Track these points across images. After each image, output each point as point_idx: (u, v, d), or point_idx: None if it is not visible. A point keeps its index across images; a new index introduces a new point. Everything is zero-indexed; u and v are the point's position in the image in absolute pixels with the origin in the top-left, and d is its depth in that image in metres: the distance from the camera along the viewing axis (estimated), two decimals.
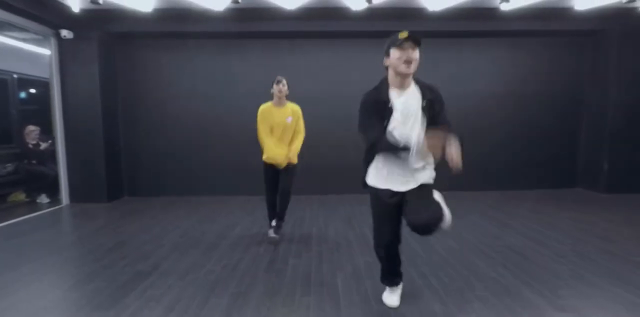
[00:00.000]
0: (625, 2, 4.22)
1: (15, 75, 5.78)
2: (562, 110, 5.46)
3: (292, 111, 3.22)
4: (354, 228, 3.66)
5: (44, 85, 5.53)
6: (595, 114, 5.30)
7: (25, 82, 6.01)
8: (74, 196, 4.97)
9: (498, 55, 5.34)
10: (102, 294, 2.30)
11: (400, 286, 2.21)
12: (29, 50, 5.80)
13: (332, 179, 5.25)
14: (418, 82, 1.94)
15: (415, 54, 1.82)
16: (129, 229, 3.75)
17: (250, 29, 4.85)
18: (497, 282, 2.40)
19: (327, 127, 4.98)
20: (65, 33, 4.63)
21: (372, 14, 4.65)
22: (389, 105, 1.87)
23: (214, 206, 4.70)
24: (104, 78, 4.89)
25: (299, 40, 5.17)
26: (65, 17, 4.49)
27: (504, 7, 4.44)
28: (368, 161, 2.04)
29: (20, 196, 5.24)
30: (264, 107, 3.20)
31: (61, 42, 4.74)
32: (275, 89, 3.16)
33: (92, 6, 4.34)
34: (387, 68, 1.93)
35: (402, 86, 1.89)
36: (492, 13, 4.73)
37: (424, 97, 1.89)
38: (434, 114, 1.89)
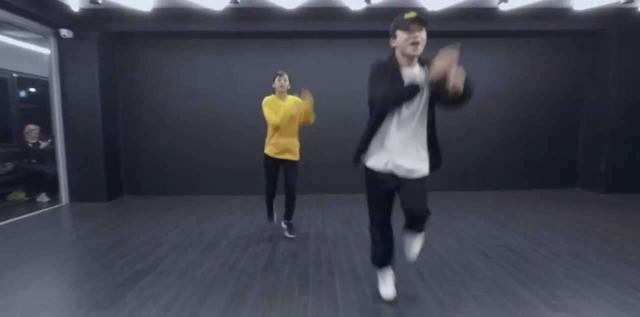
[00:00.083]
0: (623, 3, 4.22)
1: (15, 75, 5.79)
2: (561, 110, 5.47)
3: (295, 103, 3.22)
4: (352, 228, 3.68)
5: (43, 85, 5.54)
6: (594, 114, 5.31)
7: (25, 81, 6.02)
8: (73, 195, 4.99)
9: (497, 56, 5.34)
10: (101, 293, 2.31)
11: (392, 273, 2.26)
12: (29, 50, 5.81)
13: (331, 179, 5.26)
14: (422, 60, 1.94)
15: (422, 35, 1.82)
16: (128, 228, 3.76)
17: (249, 28, 4.86)
18: (494, 281, 2.41)
19: (327, 127, 4.99)
20: (64, 32, 4.64)
21: (371, 13, 4.66)
22: (401, 77, 1.87)
23: (213, 206, 4.71)
24: (104, 77, 4.90)
25: (298, 40, 5.18)
26: (64, 17, 4.50)
27: (503, 7, 4.44)
28: (369, 136, 2.00)
29: (20, 195, 5.25)
30: (269, 98, 3.23)
31: (61, 42, 4.75)
32: (276, 83, 3.19)
33: (92, 5, 4.34)
34: (393, 48, 1.93)
35: (409, 65, 1.90)
36: (491, 13, 4.73)
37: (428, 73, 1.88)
38: (440, 85, 1.84)
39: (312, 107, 3.15)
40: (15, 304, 2.21)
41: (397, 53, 1.90)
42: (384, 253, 2.21)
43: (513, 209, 4.34)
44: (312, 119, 3.24)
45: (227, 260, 2.84)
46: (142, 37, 5.13)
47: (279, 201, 3.47)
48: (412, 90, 1.77)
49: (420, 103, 1.93)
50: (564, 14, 4.79)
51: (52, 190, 5.07)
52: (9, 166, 5.29)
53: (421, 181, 2.00)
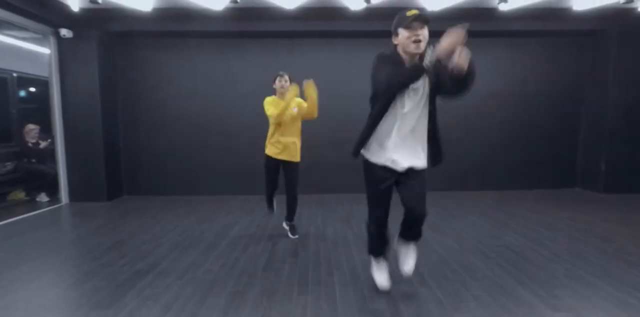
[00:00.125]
0: (623, 3, 4.23)
1: (14, 74, 5.79)
2: (561, 110, 5.47)
3: (296, 102, 3.22)
4: (352, 227, 3.68)
5: (43, 84, 5.54)
6: (594, 114, 5.31)
7: (24, 80, 6.02)
8: (73, 194, 4.99)
9: (497, 56, 5.34)
10: (100, 293, 2.32)
11: (387, 264, 2.34)
12: (29, 49, 5.81)
13: (330, 179, 5.26)
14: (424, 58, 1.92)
15: (425, 33, 1.82)
16: (128, 228, 3.76)
17: (249, 28, 4.86)
18: (494, 281, 2.42)
19: (326, 127, 4.99)
20: (64, 32, 4.64)
21: (371, 13, 4.66)
22: (405, 66, 1.87)
23: (213, 206, 4.71)
24: (104, 77, 4.90)
25: (298, 40, 5.18)
26: (64, 16, 4.50)
27: (503, 7, 4.44)
28: (370, 129, 1.99)
29: (20, 195, 5.26)
30: (270, 99, 3.21)
31: (61, 41, 4.74)
32: (277, 84, 3.17)
33: (92, 5, 4.34)
34: (395, 46, 1.93)
35: (411, 62, 1.91)
36: (490, 13, 4.73)
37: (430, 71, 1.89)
38: (442, 68, 1.85)
39: (316, 97, 3.14)
40: (15, 303, 2.21)
41: (400, 50, 1.91)
42: (381, 245, 2.28)
43: (513, 209, 4.34)
44: (316, 112, 3.20)
45: (227, 260, 2.85)
46: (142, 37, 5.13)
47: (280, 201, 3.46)
48: (417, 71, 1.75)
49: (422, 97, 1.93)
50: (563, 14, 4.79)
51: (52, 190, 5.08)
52: (9, 165, 5.28)
53: (421, 177, 2.03)
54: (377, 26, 4.82)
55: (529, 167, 5.50)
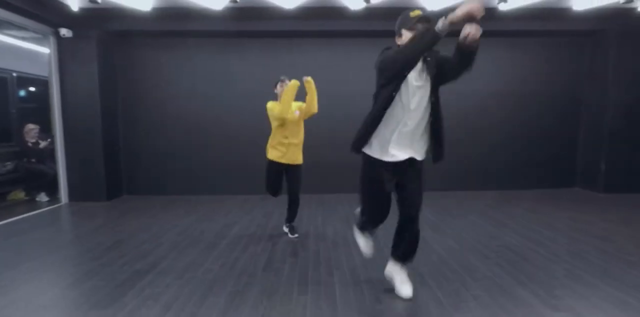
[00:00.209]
0: (623, 3, 4.23)
1: (14, 74, 5.78)
2: (561, 111, 5.47)
3: (297, 106, 3.22)
4: (352, 227, 3.67)
5: (43, 84, 5.54)
6: (594, 114, 5.31)
7: (24, 80, 6.02)
8: (73, 194, 4.99)
9: (497, 56, 5.34)
10: (100, 293, 2.31)
11: (372, 238, 2.43)
12: (28, 49, 5.81)
13: (330, 179, 5.26)
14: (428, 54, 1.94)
15: None
16: (128, 227, 3.76)
17: (249, 28, 4.85)
18: (493, 281, 2.42)
19: (326, 127, 4.99)
20: (64, 32, 4.63)
21: (370, 13, 4.65)
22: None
23: (213, 205, 4.71)
24: (103, 77, 4.90)
25: (298, 40, 5.18)
26: (64, 16, 4.49)
27: (503, 7, 4.44)
28: (373, 123, 1.96)
29: (20, 195, 5.25)
30: (273, 103, 3.18)
31: (60, 41, 4.74)
32: (278, 90, 3.15)
33: (91, 5, 4.34)
34: (399, 46, 1.94)
35: None
36: (490, 13, 4.70)
37: (431, 67, 1.91)
38: (443, 63, 1.87)
39: (315, 90, 3.16)
40: (15, 303, 2.21)
41: None
42: (371, 227, 2.32)
43: (513, 209, 4.34)
44: (315, 107, 3.20)
45: (226, 260, 2.84)
46: (142, 37, 5.13)
47: (281, 202, 3.46)
48: (431, 37, 1.66)
49: (425, 93, 1.93)
50: (563, 14, 4.79)
51: (52, 189, 5.07)
52: (9, 165, 5.28)
53: (420, 179, 2.06)
54: (376, 26, 4.82)
55: (528, 167, 5.51)
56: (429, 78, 1.93)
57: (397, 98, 1.91)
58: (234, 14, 4.66)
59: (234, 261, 2.81)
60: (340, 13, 4.69)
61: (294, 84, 3.07)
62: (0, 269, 2.72)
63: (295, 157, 3.21)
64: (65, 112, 4.88)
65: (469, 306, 2.11)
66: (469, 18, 1.57)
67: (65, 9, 4.38)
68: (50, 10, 4.31)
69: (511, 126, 5.44)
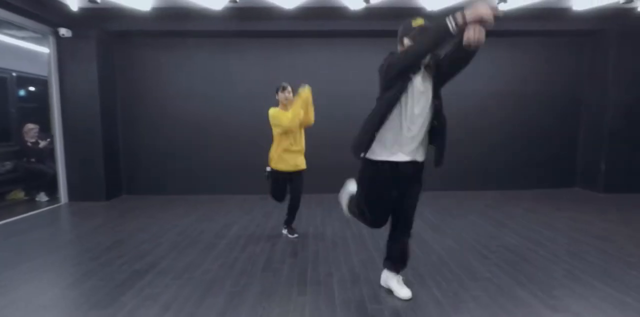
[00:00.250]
0: (622, 3, 4.22)
1: (14, 74, 5.78)
2: (561, 111, 5.47)
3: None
4: (351, 227, 3.68)
5: (42, 84, 5.53)
6: (594, 114, 5.31)
7: (24, 80, 6.02)
8: (72, 194, 4.99)
9: (497, 55, 5.33)
10: (99, 293, 2.32)
11: None
12: (28, 49, 5.80)
13: (330, 178, 5.23)
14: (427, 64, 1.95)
15: None
16: (127, 227, 3.76)
17: (248, 28, 4.85)
18: (492, 282, 2.41)
19: (326, 126, 4.97)
20: (63, 31, 4.63)
21: (370, 13, 4.65)
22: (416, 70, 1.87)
23: (212, 205, 4.71)
24: (103, 76, 4.90)
25: (297, 40, 5.17)
26: (63, 16, 4.49)
27: (502, 7, 4.43)
28: (376, 128, 1.94)
29: (19, 194, 5.25)
30: (274, 110, 3.13)
31: (60, 41, 4.74)
32: (280, 96, 3.13)
33: (91, 5, 4.34)
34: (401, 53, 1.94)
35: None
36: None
37: (431, 73, 1.91)
38: (441, 63, 1.89)
39: (310, 102, 3.08)
40: (15, 303, 2.21)
41: None
42: (365, 224, 2.27)
43: (512, 209, 4.34)
44: (312, 117, 3.16)
45: (226, 260, 2.84)
46: (141, 37, 5.12)
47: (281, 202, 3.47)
48: (443, 35, 1.63)
49: (428, 98, 1.94)
50: (563, 14, 4.78)
51: (51, 189, 5.07)
52: (8, 165, 5.28)
53: (419, 191, 2.12)
54: (376, 26, 4.82)
55: (528, 167, 5.50)
56: (431, 82, 1.94)
57: (402, 102, 1.90)
58: (234, 14, 4.65)
59: (233, 261, 2.81)
60: (340, 13, 4.69)
61: (307, 97, 3.00)
62: None
63: (301, 163, 3.21)
64: (65, 112, 4.88)
65: (468, 306, 2.11)
66: (479, 22, 1.55)
67: (64, 8, 4.38)
68: (49, 10, 4.31)
69: (511, 126, 5.43)
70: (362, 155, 2.00)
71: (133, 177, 5.37)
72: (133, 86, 5.25)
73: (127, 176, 5.37)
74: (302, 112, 3.06)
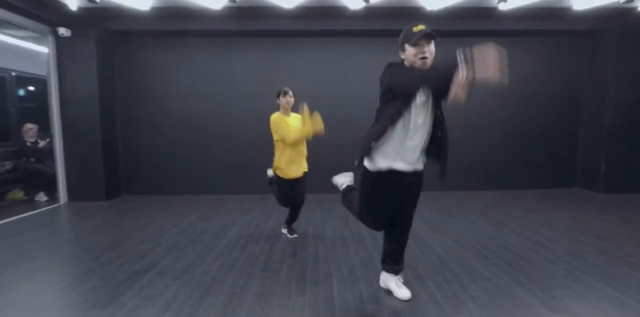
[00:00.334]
0: (623, 2, 4.22)
1: (13, 73, 5.77)
2: (561, 110, 5.46)
3: (298, 119, 3.21)
4: (351, 227, 3.67)
5: (42, 83, 5.52)
6: (594, 114, 5.30)
7: (23, 79, 6.01)
8: (72, 194, 4.98)
9: None
10: (99, 293, 2.31)
11: None
12: (27, 48, 5.79)
13: (329, 178, 5.24)
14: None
15: (431, 48, 1.83)
16: (127, 227, 3.75)
17: (248, 27, 4.84)
18: (492, 282, 2.41)
19: (325, 126, 4.96)
20: (62, 31, 4.62)
21: (370, 13, 4.65)
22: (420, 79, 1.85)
23: (212, 205, 4.71)
24: (102, 76, 4.89)
25: (297, 39, 5.17)
26: (63, 15, 4.48)
27: (502, 6, 4.43)
28: (377, 137, 1.94)
29: (19, 194, 5.25)
30: (277, 116, 3.11)
31: (59, 40, 4.73)
32: (282, 101, 3.11)
33: (90, 4, 4.34)
34: (402, 60, 1.93)
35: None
36: (490, 13, 4.72)
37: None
38: (440, 81, 1.84)
39: (309, 122, 2.98)
40: (15, 302, 2.21)
41: (407, 65, 1.91)
42: (367, 225, 2.26)
43: (512, 209, 4.33)
44: (310, 135, 3.06)
45: (225, 260, 2.84)
46: (141, 36, 5.11)
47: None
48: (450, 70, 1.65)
49: (429, 108, 1.94)
50: (563, 13, 4.78)
51: (51, 189, 5.07)
52: (8, 164, 5.27)
53: (417, 198, 2.14)
54: (376, 25, 4.82)
55: (528, 167, 5.50)
56: (431, 93, 1.92)
57: (404, 113, 1.90)
58: (234, 13, 4.64)
59: (233, 262, 2.81)
60: (340, 12, 4.68)
61: (309, 128, 2.96)
62: None
63: (305, 166, 3.24)
64: (64, 112, 4.87)
65: (467, 306, 2.10)
66: (493, 79, 1.54)
67: (64, 8, 4.37)
68: (49, 10, 4.30)
69: (511, 126, 5.43)
70: (356, 163, 2.06)
71: (133, 177, 5.37)
72: (132, 86, 5.24)
73: (126, 175, 5.36)
74: (297, 123, 3.10)
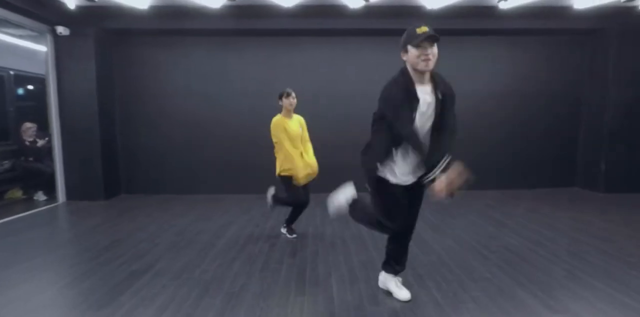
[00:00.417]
0: (624, 1, 4.20)
1: (11, 72, 5.75)
2: (561, 110, 5.44)
3: (299, 122, 3.23)
4: (350, 228, 3.66)
5: (41, 82, 5.50)
6: (594, 113, 5.29)
7: (22, 78, 5.99)
8: (70, 193, 4.97)
9: (497, 54, 5.31)
10: (98, 292, 2.31)
11: None
12: (26, 47, 5.77)
13: (329, 178, 5.20)
14: (433, 75, 1.93)
15: (434, 50, 1.81)
16: (126, 227, 3.74)
17: (247, 26, 4.82)
18: (491, 282, 2.40)
19: (324, 126, 4.95)
20: (61, 30, 4.60)
21: (370, 11, 4.62)
22: (417, 96, 1.86)
23: (210, 204, 4.69)
24: (101, 75, 4.87)
25: (296, 38, 5.14)
26: (61, 14, 4.46)
27: (503, 5, 4.41)
28: (383, 155, 1.95)
29: (17, 193, 5.24)
30: (278, 120, 3.10)
31: (57, 39, 4.71)
32: (285, 102, 3.10)
33: (88, 3, 4.32)
34: (404, 61, 1.91)
35: (421, 81, 1.89)
36: (490, 11, 4.70)
37: (438, 91, 1.90)
38: (445, 108, 1.91)
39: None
40: (14, 302, 2.20)
41: (409, 67, 1.89)
42: (384, 231, 2.22)
43: (512, 209, 4.32)
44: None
45: (223, 260, 2.83)
46: (139, 35, 5.09)
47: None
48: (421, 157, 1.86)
49: (433, 114, 1.94)
50: (564, 12, 4.76)
51: (50, 188, 5.05)
52: (6, 164, 5.26)
53: (422, 198, 2.15)
54: (375, 24, 4.80)
55: (528, 167, 5.49)
56: (436, 104, 1.91)
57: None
58: (232, 12, 4.62)
59: (231, 262, 2.80)
60: (339, 11, 4.66)
61: (297, 132, 3.13)
62: None
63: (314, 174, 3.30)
64: (63, 111, 4.85)
65: (467, 307, 2.09)
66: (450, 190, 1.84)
67: (62, 7, 4.34)
68: (47, 9, 4.28)
69: (511, 126, 5.41)
70: (366, 186, 2.08)
71: (131, 177, 5.35)
72: (131, 85, 5.22)
73: (125, 175, 5.35)
74: (297, 126, 3.17)
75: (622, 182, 5.08)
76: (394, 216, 2.06)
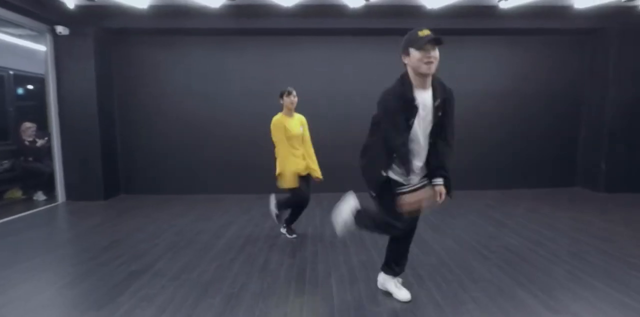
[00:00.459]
0: (624, 1, 4.19)
1: (11, 72, 5.75)
2: (561, 110, 5.44)
3: (300, 121, 3.21)
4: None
5: (40, 82, 5.50)
6: (594, 113, 5.28)
7: (21, 78, 5.98)
8: (70, 193, 4.96)
9: (497, 54, 5.31)
10: (97, 293, 2.30)
11: None
12: (25, 47, 5.76)
13: (328, 178, 5.21)
14: (434, 80, 1.92)
15: (436, 53, 1.80)
16: (125, 227, 3.74)
17: (246, 25, 4.82)
18: (492, 283, 2.40)
19: (324, 126, 4.95)
20: (60, 29, 4.59)
21: (370, 11, 4.62)
22: (415, 103, 1.85)
23: (210, 205, 4.69)
24: (100, 74, 4.86)
25: (296, 38, 5.14)
26: (60, 13, 4.45)
27: (503, 5, 4.40)
28: (386, 163, 1.94)
29: (17, 193, 5.23)
30: (279, 119, 3.09)
31: (57, 39, 4.71)
32: (286, 101, 3.09)
33: (88, 2, 4.31)
34: (405, 64, 1.90)
35: (422, 86, 1.88)
36: (491, 11, 4.69)
37: (437, 95, 1.89)
38: (444, 113, 1.91)
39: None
40: (13, 302, 2.20)
41: (410, 71, 1.88)
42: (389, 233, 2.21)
43: (513, 209, 4.32)
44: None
45: (223, 261, 2.82)
46: (139, 34, 5.08)
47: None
48: (407, 172, 1.90)
49: (428, 127, 1.94)
50: (564, 12, 4.75)
51: (49, 188, 5.05)
52: (6, 163, 5.26)
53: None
54: (376, 24, 4.79)
55: (529, 167, 5.48)
56: (434, 110, 1.91)
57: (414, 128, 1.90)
58: (232, 11, 4.61)
59: (231, 262, 2.79)
60: (339, 11, 4.65)
61: (297, 130, 3.12)
62: None
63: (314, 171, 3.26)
64: (62, 111, 4.85)
65: (467, 307, 2.09)
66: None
67: (61, 6, 4.33)
68: (46, 8, 4.28)
69: (511, 126, 5.41)
70: (372, 195, 2.07)
71: (131, 177, 5.35)
72: (130, 84, 5.21)
73: (124, 175, 5.34)
74: (298, 125, 3.16)
75: (622, 182, 5.08)
76: (401, 214, 2.05)
